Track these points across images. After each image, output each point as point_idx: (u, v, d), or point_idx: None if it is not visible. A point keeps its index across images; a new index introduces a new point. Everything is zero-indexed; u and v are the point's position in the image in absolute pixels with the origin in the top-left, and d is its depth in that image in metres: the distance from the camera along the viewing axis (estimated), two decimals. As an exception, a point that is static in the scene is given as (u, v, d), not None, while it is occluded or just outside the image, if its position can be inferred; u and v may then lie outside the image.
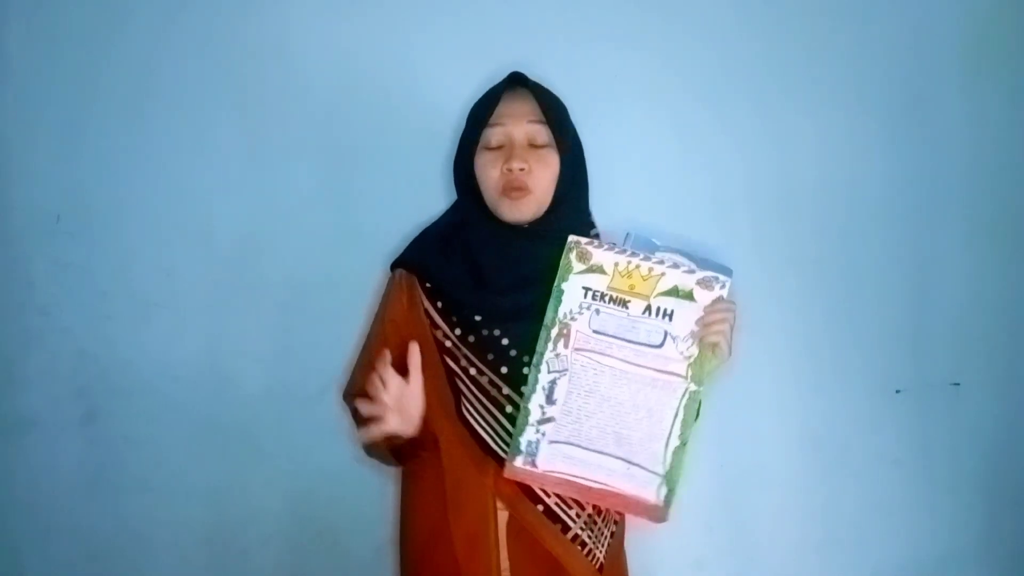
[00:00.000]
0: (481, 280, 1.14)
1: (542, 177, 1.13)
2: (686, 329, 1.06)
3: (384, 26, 1.54)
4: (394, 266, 1.22)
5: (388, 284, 1.22)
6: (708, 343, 1.06)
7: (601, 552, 1.13)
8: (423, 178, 1.46)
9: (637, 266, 1.07)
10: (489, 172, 1.13)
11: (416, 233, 1.29)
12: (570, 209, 1.18)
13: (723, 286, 1.06)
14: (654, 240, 1.10)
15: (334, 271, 1.54)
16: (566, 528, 1.11)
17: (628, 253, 1.08)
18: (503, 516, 1.12)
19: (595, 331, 1.07)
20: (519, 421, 1.08)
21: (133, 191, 1.53)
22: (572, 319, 1.07)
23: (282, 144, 1.54)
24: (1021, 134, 1.72)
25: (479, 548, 1.11)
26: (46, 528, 1.57)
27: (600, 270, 1.07)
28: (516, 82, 1.18)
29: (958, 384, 1.74)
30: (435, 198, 1.34)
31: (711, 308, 1.06)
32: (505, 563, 1.11)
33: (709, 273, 1.06)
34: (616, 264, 1.07)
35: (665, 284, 1.06)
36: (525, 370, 1.10)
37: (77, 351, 1.55)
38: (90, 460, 1.57)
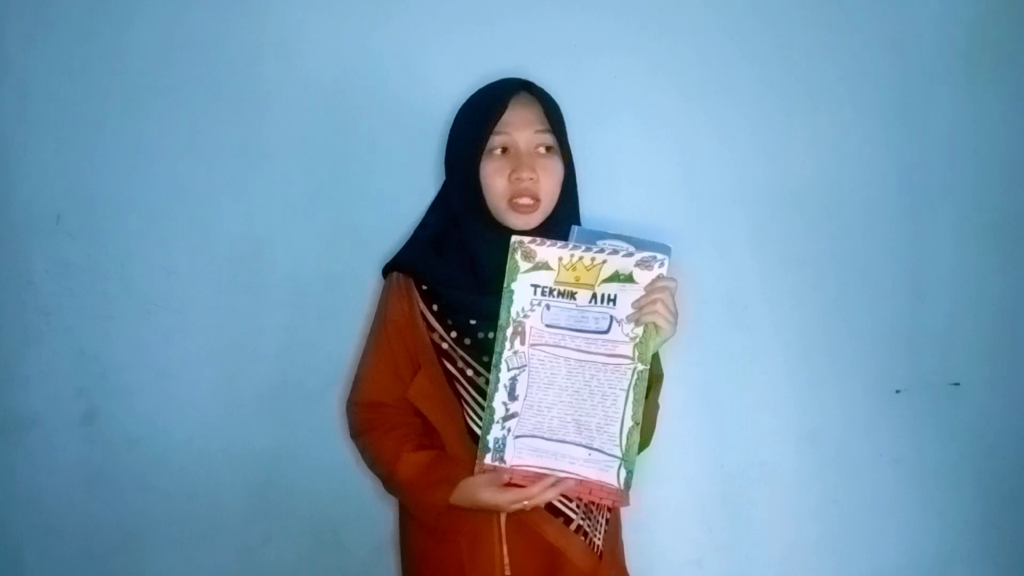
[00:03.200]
0: (478, 283, 1.14)
1: (548, 185, 1.14)
2: (629, 311, 1.09)
3: (385, 26, 1.54)
4: (390, 269, 1.22)
5: (385, 287, 1.22)
6: (647, 323, 1.08)
7: (599, 539, 1.15)
8: (423, 178, 1.46)
9: (580, 258, 1.10)
10: (496, 180, 1.13)
11: (409, 234, 1.29)
12: (568, 213, 1.20)
13: (661, 264, 1.09)
14: (597, 230, 1.13)
15: (335, 270, 1.54)
16: (568, 521, 1.13)
17: (571, 247, 1.10)
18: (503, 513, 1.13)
19: (547, 325, 1.10)
20: (485, 420, 1.11)
21: (133, 191, 1.53)
22: (525, 316, 1.10)
23: (283, 144, 1.54)
24: (1018, 132, 1.72)
25: (483, 544, 1.13)
26: (46, 527, 1.57)
27: (546, 266, 1.10)
28: (520, 87, 1.17)
29: (958, 384, 1.74)
30: (434, 197, 1.34)
31: (649, 288, 1.08)
32: (506, 557, 1.13)
33: (646, 253, 1.09)
34: (560, 259, 1.10)
35: (607, 271, 1.09)
36: None
37: (77, 351, 1.55)
38: (90, 459, 1.57)
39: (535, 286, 1.10)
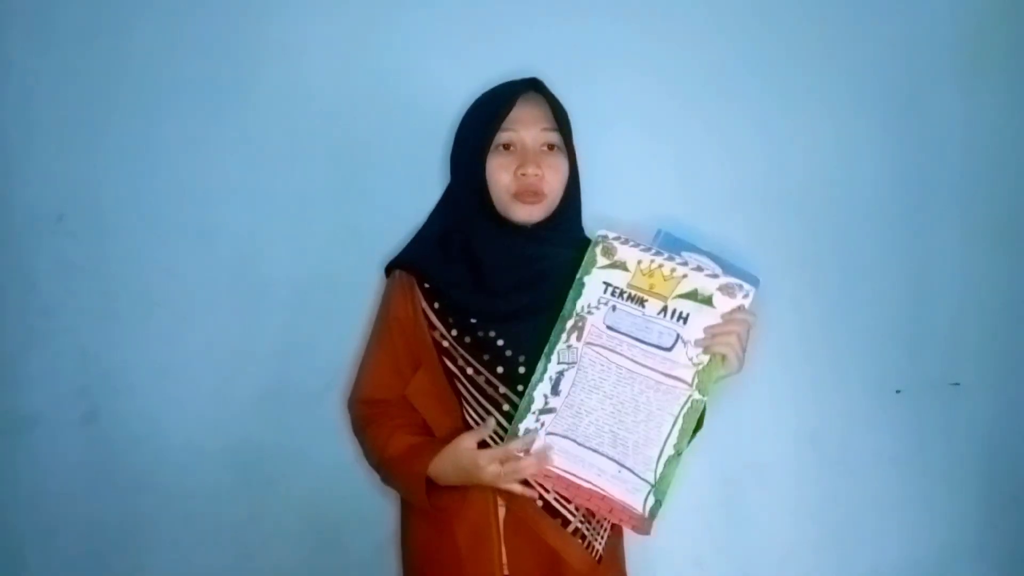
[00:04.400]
0: (481, 281, 1.14)
1: (553, 182, 1.15)
2: (699, 335, 1.01)
3: (387, 29, 1.55)
4: (393, 267, 1.23)
5: (387, 286, 1.23)
6: (715, 352, 1.01)
7: (600, 544, 1.15)
8: (424, 178, 1.46)
9: (660, 265, 1.04)
10: (501, 175, 1.13)
11: (413, 234, 1.29)
12: (574, 212, 1.20)
13: (746, 295, 1.01)
14: (685, 240, 1.06)
15: (335, 270, 1.55)
16: (566, 522, 1.13)
17: (653, 251, 1.05)
18: (501, 511, 1.13)
19: (608, 327, 1.05)
20: (520, 407, 1.06)
21: (135, 191, 1.53)
22: (589, 313, 1.06)
23: (284, 144, 1.55)
24: (1017, 132, 1.72)
25: (482, 543, 1.13)
26: (48, 527, 1.57)
27: (623, 267, 1.05)
28: (529, 86, 1.17)
29: (957, 384, 1.74)
30: (435, 198, 1.34)
31: (727, 317, 1.02)
32: (504, 557, 1.13)
33: (733, 280, 1.02)
34: (639, 262, 1.05)
35: (685, 286, 1.03)
36: (521, 369, 1.11)
37: (79, 350, 1.55)
38: (92, 459, 1.57)
39: (607, 284, 1.05)
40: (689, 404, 1.01)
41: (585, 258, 1.07)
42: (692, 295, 1.02)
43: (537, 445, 1.06)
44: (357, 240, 1.53)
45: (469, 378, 1.13)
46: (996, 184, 1.72)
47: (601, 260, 1.06)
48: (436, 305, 1.16)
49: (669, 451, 1.01)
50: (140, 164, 1.54)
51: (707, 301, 1.02)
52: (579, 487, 1.05)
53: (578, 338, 1.06)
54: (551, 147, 1.15)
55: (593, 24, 1.58)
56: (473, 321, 1.14)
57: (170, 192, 1.54)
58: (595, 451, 1.04)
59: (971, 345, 1.73)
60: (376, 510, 1.53)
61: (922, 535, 1.75)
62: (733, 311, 1.02)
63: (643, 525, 1.02)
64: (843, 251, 1.68)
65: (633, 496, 1.02)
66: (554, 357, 1.06)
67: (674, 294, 1.03)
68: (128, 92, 1.53)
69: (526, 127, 1.14)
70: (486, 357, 1.13)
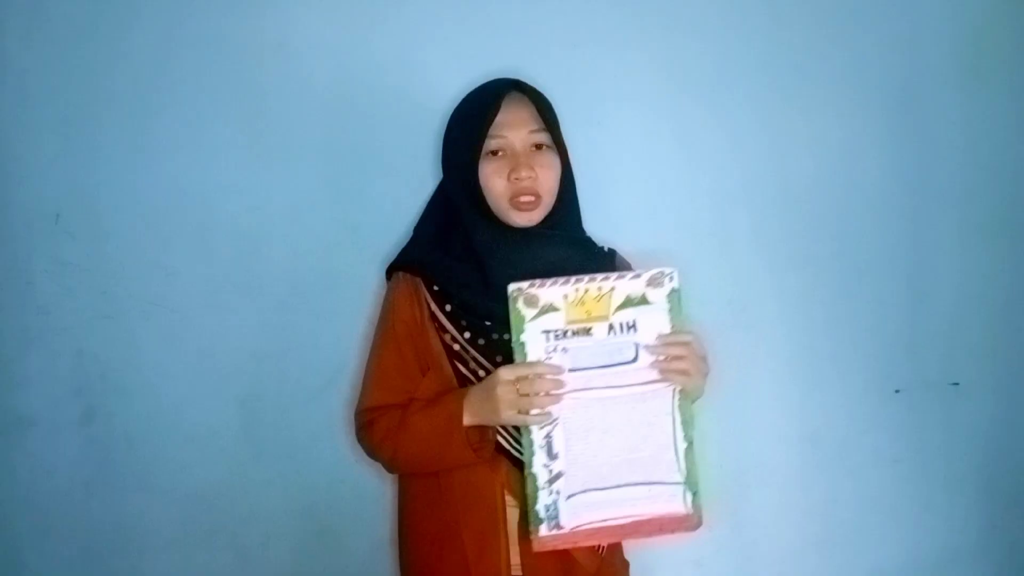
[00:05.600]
0: (487, 283, 1.14)
1: (547, 180, 1.14)
2: (653, 334, 1.03)
3: (385, 25, 1.54)
4: (396, 269, 1.21)
5: (390, 289, 1.21)
6: (674, 382, 1.03)
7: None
8: (423, 176, 1.46)
9: (586, 291, 1.03)
10: (495, 181, 1.13)
11: (410, 233, 1.29)
12: (572, 209, 1.20)
13: (671, 279, 1.03)
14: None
15: (334, 270, 1.54)
16: None
17: (573, 281, 1.03)
18: (512, 513, 1.12)
19: (570, 370, 1.03)
20: (528, 490, 1.04)
21: (133, 190, 1.53)
22: None
23: (282, 142, 1.54)
24: (1017, 133, 1.72)
25: (490, 545, 1.12)
26: (45, 527, 1.57)
27: (552, 308, 1.03)
28: (510, 87, 1.16)
29: (957, 384, 1.74)
30: (435, 197, 1.34)
31: (666, 340, 1.03)
32: (516, 559, 1.12)
33: (655, 271, 1.03)
34: (566, 296, 1.03)
35: (618, 298, 1.03)
36: None
37: (76, 350, 1.54)
38: (89, 459, 1.56)
39: (546, 332, 1.02)
40: (677, 395, 1.03)
41: (511, 317, 1.04)
42: (628, 302, 1.03)
43: (564, 516, 1.03)
44: (356, 238, 1.53)
45: (481, 381, 1.12)
46: (996, 184, 1.72)
47: (528, 312, 1.03)
48: (448, 308, 1.15)
49: (682, 445, 1.03)
50: (138, 163, 1.53)
51: (643, 300, 1.03)
52: (623, 526, 1.04)
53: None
54: (542, 146, 1.15)
55: (594, 17, 1.58)
56: (488, 324, 1.13)
57: (168, 191, 1.54)
58: (619, 486, 1.03)
59: (971, 345, 1.73)
60: (376, 510, 1.52)
61: (922, 535, 1.75)
62: (667, 337, 1.03)
63: (692, 522, 1.03)
64: (843, 250, 1.68)
65: (672, 503, 1.03)
66: (533, 427, 1.04)
67: (612, 310, 1.03)
68: (125, 90, 1.52)
69: (514, 130, 1.13)
70: (499, 359, 1.11)
